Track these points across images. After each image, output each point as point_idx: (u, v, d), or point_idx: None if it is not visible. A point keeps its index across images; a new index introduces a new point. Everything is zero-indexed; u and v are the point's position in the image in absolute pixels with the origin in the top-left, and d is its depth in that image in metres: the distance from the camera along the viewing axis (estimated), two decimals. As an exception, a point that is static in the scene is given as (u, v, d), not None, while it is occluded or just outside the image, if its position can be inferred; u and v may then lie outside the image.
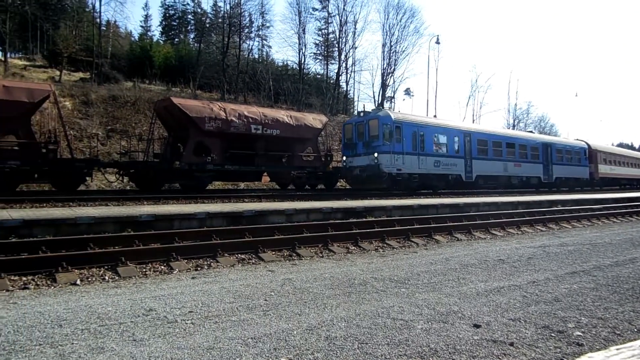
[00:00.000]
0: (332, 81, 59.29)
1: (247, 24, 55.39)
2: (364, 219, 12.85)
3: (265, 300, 5.55)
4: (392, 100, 62.70)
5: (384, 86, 58.16)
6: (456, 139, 26.08)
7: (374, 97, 58.74)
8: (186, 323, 4.67)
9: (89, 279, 6.66)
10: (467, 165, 26.22)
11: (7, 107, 15.48)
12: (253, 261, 8.23)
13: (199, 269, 7.51)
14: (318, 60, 63.34)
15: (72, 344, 4.10)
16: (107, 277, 6.78)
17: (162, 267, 7.47)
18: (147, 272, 7.17)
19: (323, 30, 59.73)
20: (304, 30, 55.22)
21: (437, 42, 49.37)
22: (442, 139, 25.39)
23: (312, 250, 9.27)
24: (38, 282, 6.38)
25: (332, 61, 60.21)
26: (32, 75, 38.35)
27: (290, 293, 5.89)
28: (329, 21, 58.32)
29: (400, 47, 57.65)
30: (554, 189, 34.13)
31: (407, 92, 75.84)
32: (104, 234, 9.08)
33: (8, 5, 45.26)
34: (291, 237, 9.68)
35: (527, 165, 31.08)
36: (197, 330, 4.46)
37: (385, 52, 57.43)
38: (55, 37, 47.39)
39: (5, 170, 15.60)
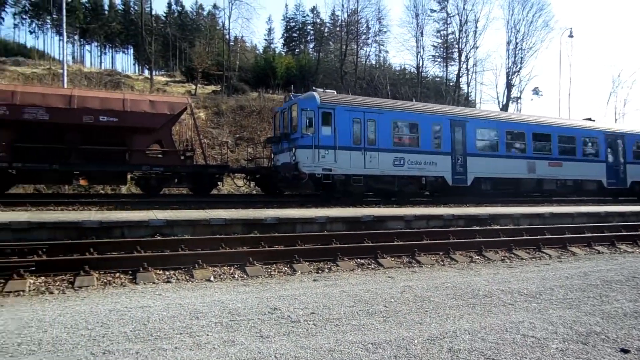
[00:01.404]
0: (451, 83, 57.36)
1: (364, 31, 56.00)
2: (488, 227, 12.21)
3: (385, 306, 5.52)
4: (518, 100, 58.76)
5: (509, 86, 54.77)
6: (437, 128, 19.20)
7: (497, 98, 55.61)
8: (308, 324, 4.82)
9: (221, 276, 7.20)
10: (456, 164, 19.39)
11: (153, 118, 17.40)
12: (372, 266, 8.24)
13: (320, 271, 7.71)
14: (437, 63, 61.78)
15: (207, 335, 4.46)
16: (236, 276, 7.28)
17: (286, 268, 7.81)
18: (272, 273, 7.55)
19: (442, 32, 58.11)
20: (421, 32, 54.28)
21: (570, 36, 45.16)
22: (411, 128, 18.89)
23: (432, 258, 9.02)
24: (178, 277, 7.06)
25: (452, 62, 58.30)
26: (172, 89, 42.71)
27: (411, 301, 5.78)
28: (448, 22, 56.56)
29: (526, 43, 53.80)
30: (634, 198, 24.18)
31: (535, 91, 70.40)
32: (233, 235, 9.77)
33: (153, 29, 50.96)
34: (411, 244, 9.52)
35: (573, 165, 22.42)
36: (319, 332, 4.58)
37: (510, 50, 54.05)
38: (191, 55, 52.27)
39: (152, 175, 17.59)
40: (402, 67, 63.99)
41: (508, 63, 55.05)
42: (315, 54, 60.41)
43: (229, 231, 10.08)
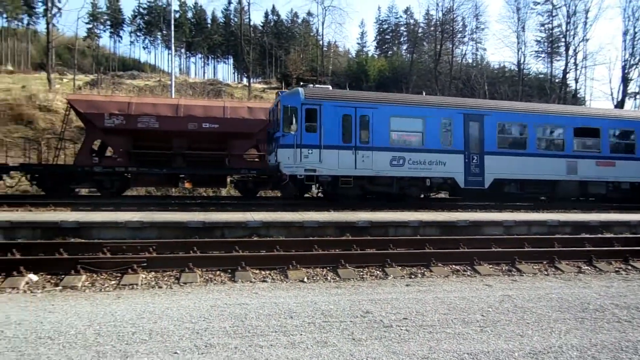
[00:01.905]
0: (557, 80, 53.48)
1: (460, 29, 54.19)
2: (600, 235, 11.20)
3: (482, 315, 5.27)
4: (637, 96, 53.21)
5: (625, 80, 49.83)
6: (446, 123, 17.05)
7: (611, 95, 50.83)
8: (401, 329, 4.75)
9: (314, 278, 7.34)
10: (470, 163, 17.09)
11: (251, 124, 18.27)
12: (468, 273, 7.92)
13: (412, 276, 7.57)
14: (540, 59, 58.06)
15: (301, 334, 4.57)
16: (329, 277, 7.37)
17: (378, 271, 7.77)
18: (364, 276, 7.54)
19: (546, 25, 54.45)
20: (523, 27, 51.30)
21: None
22: (413, 123, 16.84)
23: (534, 267, 8.45)
24: (274, 277, 7.31)
25: (558, 58, 54.33)
26: (268, 96, 44.45)
27: (510, 311, 5.47)
28: (554, 14, 52.83)
29: (647, 32, 48.60)
30: None
31: (658, 85, 63.44)
32: (325, 237, 9.91)
33: (251, 38, 53.39)
34: (510, 251, 9.01)
35: (632, 165, 18.69)
36: (412, 338, 4.49)
37: (627, 41, 49.13)
38: (286, 62, 54.08)
39: (249, 178, 18.49)
40: (502, 64, 60.98)
41: (625, 55, 50.06)
42: (408, 55, 59.65)
43: (321, 233, 10.26)
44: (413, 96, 20.08)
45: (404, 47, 71.02)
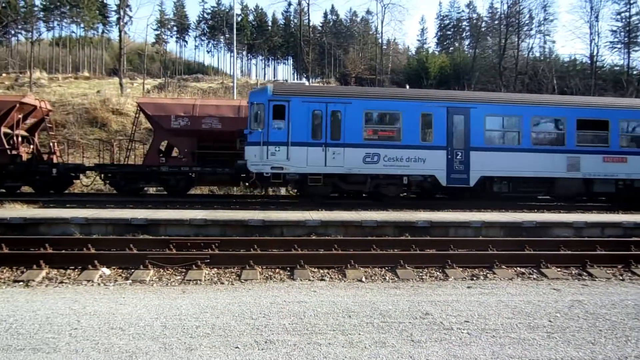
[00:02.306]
0: (635, 72, 49.93)
1: (527, 21, 51.80)
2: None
3: (550, 321, 5.02)
4: None
5: None
6: (427, 117, 15.92)
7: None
8: (462, 332, 4.62)
9: (372, 277, 7.29)
10: (453, 159, 15.91)
11: None
12: (534, 276, 7.57)
13: (474, 278, 7.34)
14: (616, 50, 54.32)
15: (359, 334, 4.55)
16: (387, 278, 7.29)
17: (438, 273, 7.59)
18: (423, 277, 7.40)
19: (623, 14, 50.92)
20: (596, 17, 48.19)
21: None
22: (389, 118, 16.12)
23: (608, 271, 7.94)
24: (332, 276, 7.34)
25: (636, 48, 50.69)
26: (327, 96, 44.66)
27: (581, 317, 5.17)
28: (632, 1, 49.34)
29: None
30: None
31: None
32: (384, 237, 9.82)
33: (310, 39, 53.87)
34: (581, 254, 8.51)
35: None
36: (474, 342, 4.35)
37: None
38: (345, 61, 54.09)
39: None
40: (572, 57, 57.65)
41: None
42: (470, 50, 57.86)
43: (380, 233, 10.17)
44: (390, 89, 19.08)
45: (466, 42, 69.01)
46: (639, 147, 16.86)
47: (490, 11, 62.46)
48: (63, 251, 8.04)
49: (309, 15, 52.66)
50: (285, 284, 6.79)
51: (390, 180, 15.82)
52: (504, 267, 7.84)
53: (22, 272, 7.16)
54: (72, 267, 7.41)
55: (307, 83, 17.79)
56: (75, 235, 9.46)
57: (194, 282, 6.88)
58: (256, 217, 10.47)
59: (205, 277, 7.11)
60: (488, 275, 7.53)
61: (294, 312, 5.26)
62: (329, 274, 7.42)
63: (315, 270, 7.54)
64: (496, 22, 57.02)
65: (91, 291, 6.29)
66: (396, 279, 7.22)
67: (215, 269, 7.49)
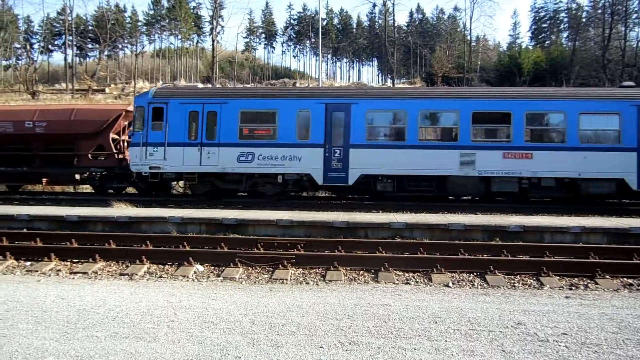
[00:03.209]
0: None
1: (636, 8, 47.23)
2: None
3: (664, 338, 4.53)
4: None
5: None
6: (305, 115, 15.43)
7: None
8: (559, 345, 4.31)
9: (459, 283, 7.03)
10: (331, 158, 15.18)
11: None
12: (644, 288, 6.87)
13: (573, 288, 6.81)
14: None
15: (446, 341, 4.41)
16: (476, 284, 7.00)
17: (531, 280, 7.15)
18: (515, 284, 7.01)
19: None
20: None
21: None
22: (264, 117, 15.80)
23: None
24: (417, 280, 7.19)
25: None
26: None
27: (702, 336, 4.61)
28: None
29: None
30: None
31: None
32: (472, 241, 9.45)
33: (395, 39, 53.31)
34: (702, 265, 7.61)
35: (557, 156, 14.71)
36: (572, 356, 4.05)
37: None
38: (431, 60, 52.83)
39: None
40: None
41: None
42: (569, 43, 53.94)
43: (467, 237, 9.80)
44: (267, 88, 18.27)
45: (564, 35, 64.45)
46: (547, 141, 15.24)
47: (592, 0, 57.76)
48: (162, 248, 8.66)
49: (394, 15, 51.97)
50: (369, 286, 6.77)
51: (266, 179, 15.74)
52: (607, 277, 7.19)
53: (127, 266, 7.80)
54: (170, 263, 7.95)
55: (199, 85, 18.02)
56: (172, 234, 10.14)
57: (280, 281, 7.08)
58: (340, 218, 10.54)
59: (291, 276, 7.28)
60: (589, 285, 6.95)
61: (378, 315, 5.23)
62: (414, 277, 7.28)
63: (400, 273, 7.43)
64: (599, 11, 52.53)
65: (186, 286, 6.70)
66: (485, 285, 6.91)
67: (301, 269, 7.65)
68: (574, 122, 14.68)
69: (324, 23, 73.26)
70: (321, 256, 8.09)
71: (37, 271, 7.64)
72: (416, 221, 10.32)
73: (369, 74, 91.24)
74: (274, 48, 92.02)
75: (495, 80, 47.29)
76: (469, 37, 52.37)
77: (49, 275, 7.45)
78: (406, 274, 7.40)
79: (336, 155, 15.32)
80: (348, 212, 12.48)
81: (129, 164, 16.07)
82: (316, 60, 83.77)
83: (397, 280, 7.14)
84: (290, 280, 7.15)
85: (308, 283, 7.01)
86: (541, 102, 15.31)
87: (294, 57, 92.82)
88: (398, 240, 9.56)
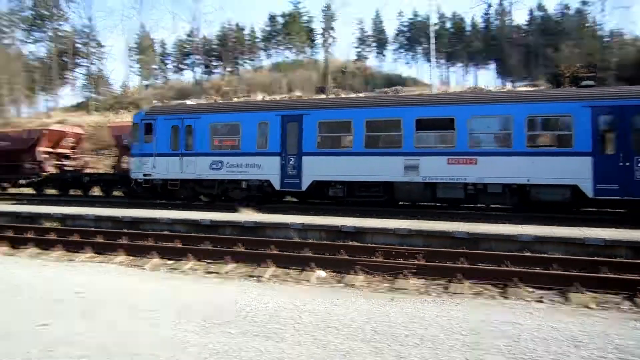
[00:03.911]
0: None
1: None
2: None
3: None
4: None
5: None
6: (263, 125, 16.92)
7: None
8: None
9: (604, 305, 6.34)
10: (287, 165, 16.49)
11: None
12: None
13: None
14: None
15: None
16: (623, 307, 6.27)
17: (693, 306, 6.22)
18: (672, 310, 6.15)
19: None
20: None
21: None
22: (230, 128, 17.63)
23: None
24: (552, 298, 6.63)
25: None
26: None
27: None
28: None
29: None
30: None
31: None
32: (616, 258, 8.50)
33: (514, 40, 50.27)
34: None
35: (503, 161, 14.06)
36: None
37: None
38: (555, 60, 48.85)
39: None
40: None
41: None
42: None
43: (609, 253, 8.83)
44: (232, 103, 21.86)
45: None
46: (493, 146, 14.70)
47: None
48: (285, 252, 9.05)
49: (511, 15, 48.92)
50: (496, 302, 6.40)
51: (234, 184, 17.36)
52: None
53: (255, 269, 8.27)
54: (293, 267, 8.27)
55: (193, 103, 22.11)
56: (294, 239, 10.55)
57: (401, 290, 6.99)
58: (461, 228, 10.15)
59: (412, 286, 7.16)
60: None
61: (508, 334, 4.91)
62: (547, 295, 6.73)
63: (531, 290, 6.92)
64: None
65: (309, 290, 6.90)
66: (636, 309, 6.15)
67: (422, 280, 7.49)
68: (521, 125, 14.07)
69: (436, 28, 71.54)
70: (443, 267, 7.85)
71: (178, 269, 8.44)
72: (546, 234, 9.55)
73: (485, 78, 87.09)
74: (385, 56, 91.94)
75: (636, 78, 42.36)
76: (600, 32, 47.52)
77: (188, 274, 8.17)
78: (538, 291, 6.88)
79: (291, 162, 16.50)
80: (469, 222, 11.96)
81: (130, 172, 18.97)
82: (429, 66, 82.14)
83: (529, 297, 6.66)
84: (412, 290, 7.03)
85: (430, 294, 6.83)
86: (485, 107, 15.01)
87: (406, 63, 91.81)
88: (527, 254, 8.92)
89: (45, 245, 10.40)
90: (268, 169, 16.73)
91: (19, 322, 5.09)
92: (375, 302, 6.22)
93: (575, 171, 13.47)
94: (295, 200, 18.62)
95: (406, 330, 4.98)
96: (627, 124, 13.21)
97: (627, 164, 13.08)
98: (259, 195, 17.26)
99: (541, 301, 6.51)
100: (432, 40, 35.86)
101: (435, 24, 72.19)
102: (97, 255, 9.67)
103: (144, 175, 18.47)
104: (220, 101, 29.49)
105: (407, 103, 16.36)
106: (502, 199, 14.70)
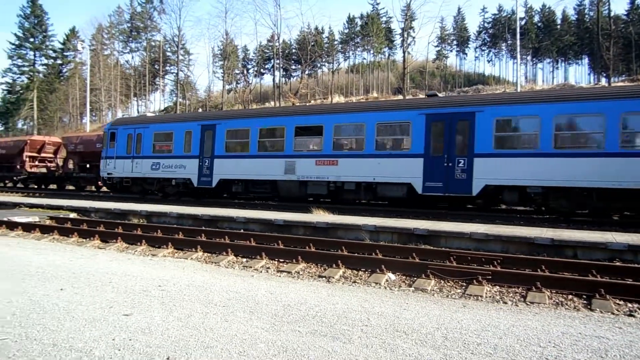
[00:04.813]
0: None
1: None
2: None
3: None
4: None
5: None
6: (188, 133, 20.85)
7: None
8: None
9: None
10: (203, 166, 20.17)
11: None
12: None
13: None
14: None
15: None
16: None
17: None
18: None
19: None
20: None
21: None
22: (169, 136, 21.62)
23: None
24: (646, 312, 6.08)
25: None
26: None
27: None
28: None
29: None
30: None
31: None
32: None
33: (611, 32, 46.51)
34: None
35: (357, 163, 16.64)
36: None
37: None
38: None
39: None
40: None
41: None
42: None
43: None
44: (170, 115, 27.42)
45: None
46: (350, 149, 17.11)
47: None
48: (356, 254, 9.04)
49: (609, 4, 45.10)
50: (580, 314, 5.96)
51: (167, 182, 21.58)
52: None
53: (325, 269, 8.35)
54: (363, 269, 8.24)
55: (154, 114, 29.14)
56: (365, 241, 10.51)
57: (475, 297, 6.72)
58: (544, 234, 9.57)
59: (486, 293, 6.87)
60: None
61: (593, 348, 4.55)
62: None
63: (621, 302, 6.38)
64: None
65: (378, 293, 6.84)
66: None
67: (498, 287, 7.15)
68: (371, 131, 16.41)
69: (522, 22, 68.04)
70: (521, 275, 7.43)
71: (251, 267, 8.71)
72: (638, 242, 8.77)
73: (578, 74, 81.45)
74: (466, 54, 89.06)
75: None
76: None
77: (260, 272, 8.42)
78: (629, 304, 6.32)
79: (206, 164, 20.23)
80: (553, 228, 11.27)
81: (100, 171, 24.17)
82: (513, 63, 78.21)
83: (617, 310, 6.14)
84: (486, 297, 6.73)
85: (506, 302, 6.51)
86: (346, 115, 17.50)
87: (488, 62, 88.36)
88: (617, 263, 8.22)
89: (131, 240, 11.18)
90: (190, 169, 20.67)
91: (106, 310, 5.51)
92: (446, 307, 6.04)
93: (410, 171, 15.63)
94: (364, 201, 19.26)
95: (478, 338, 4.79)
96: (452, 129, 15.15)
97: (450, 164, 15.02)
98: (185, 190, 21.37)
99: (633, 315, 5.98)
100: (518, 36, 34.07)
101: (522, 18, 68.84)
102: (176, 251, 10.22)
103: (108, 174, 23.58)
104: (299, 104, 34.57)
105: (290, 113, 19.34)
106: (357, 195, 17.20)
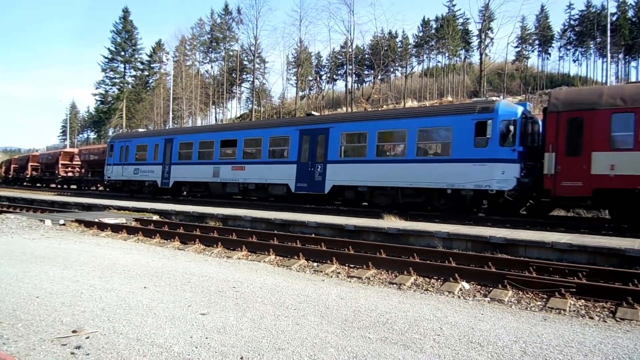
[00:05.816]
0: None
1: None
2: None
3: None
4: None
5: None
6: (158, 145, 26.70)
7: None
8: None
9: None
10: (164, 171, 26.05)
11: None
12: None
13: None
14: None
15: None
16: None
17: None
18: None
19: None
20: None
21: None
22: (144, 147, 27.80)
23: None
24: None
25: None
26: None
27: None
28: None
29: None
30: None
31: None
32: None
33: None
34: None
35: (257, 168, 21.77)
36: None
37: None
38: None
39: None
40: None
41: None
42: None
43: None
44: (149, 131, 38.03)
45: None
46: (254, 157, 22.14)
47: None
48: (428, 261, 8.83)
49: None
50: (679, 334, 5.41)
51: (143, 183, 27.70)
52: None
53: (395, 276, 8.23)
54: (435, 277, 8.03)
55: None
56: (438, 248, 10.24)
57: (557, 310, 6.32)
58: (636, 246, 8.81)
59: (570, 307, 6.44)
60: None
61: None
62: None
63: None
64: None
65: (451, 302, 6.63)
66: None
67: (583, 301, 6.68)
68: (266, 144, 21.27)
69: (614, 18, 63.35)
70: (610, 289, 6.89)
71: (321, 272, 8.78)
72: None
73: (677, 72, 74.29)
74: (549, 55, 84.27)
75: None
76: None
77: (331, 277, 8.45)
78: None
79: (166, 169, 25.97)
80: (647, 240, 10.36)
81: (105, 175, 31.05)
82: (602, 62, 72.99)
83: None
84: (569, 311, 6.31)
85: (592, 318, 6.06)
86: (251, 131, 23.06)
87: (574, 61, 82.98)
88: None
89: (207, 242, 11.67)
90: (156, 174, 26.45)
91: (184, 309, 5.79)
92: (525, 320, 5.73)
93: (288, 174, 19.97)
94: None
95: (560, 354, 4.50)
96: (314, 141, 19.32)
97: (312, 169, 19.13)
98: (154, 190, 26.95)
99: None
100: (609, 33, 31.78)
101: (613, 14, 64.19)
102: (250, 253, 10.52)
103: (107, 177, 30.37)
104: (354, 110, 39.56)
105: (217, 130, 26.90)
106: (257, 193, 22.05)
